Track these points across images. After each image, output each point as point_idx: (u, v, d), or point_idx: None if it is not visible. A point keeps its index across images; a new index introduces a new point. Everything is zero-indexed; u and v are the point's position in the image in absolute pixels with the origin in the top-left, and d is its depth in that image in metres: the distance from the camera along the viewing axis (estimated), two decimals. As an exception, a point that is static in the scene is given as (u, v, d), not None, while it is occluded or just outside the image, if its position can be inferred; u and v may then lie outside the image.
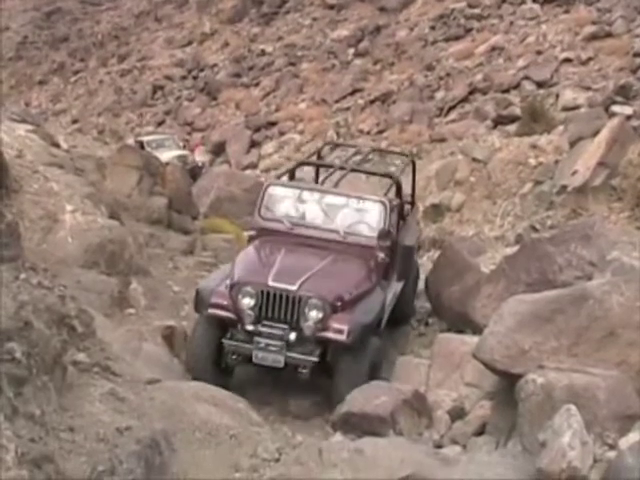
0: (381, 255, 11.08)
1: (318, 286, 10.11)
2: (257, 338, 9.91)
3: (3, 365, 6.18)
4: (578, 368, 7.00)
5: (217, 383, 9.67)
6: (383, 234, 11.05)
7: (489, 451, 7.50)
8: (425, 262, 17.71)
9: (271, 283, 10.03)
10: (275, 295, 9.94)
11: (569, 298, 7.69)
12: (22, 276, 7.74)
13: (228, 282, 10.23)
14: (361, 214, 11.46)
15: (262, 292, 9.95)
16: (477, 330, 9.51)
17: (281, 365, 9.91)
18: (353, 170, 13.34)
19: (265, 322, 9.95)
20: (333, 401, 9.42)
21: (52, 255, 10.88)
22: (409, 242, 12.57)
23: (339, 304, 10.04)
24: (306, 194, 11.71)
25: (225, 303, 10.09)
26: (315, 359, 9.91)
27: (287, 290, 9.95)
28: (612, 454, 6.20)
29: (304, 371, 9.94)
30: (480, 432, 8.18)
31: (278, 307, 9.96)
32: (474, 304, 10.94)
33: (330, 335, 9.85)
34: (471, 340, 9.07)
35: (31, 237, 10.81)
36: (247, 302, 9.94)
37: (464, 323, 11.09)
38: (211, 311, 10.13)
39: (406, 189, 13.55)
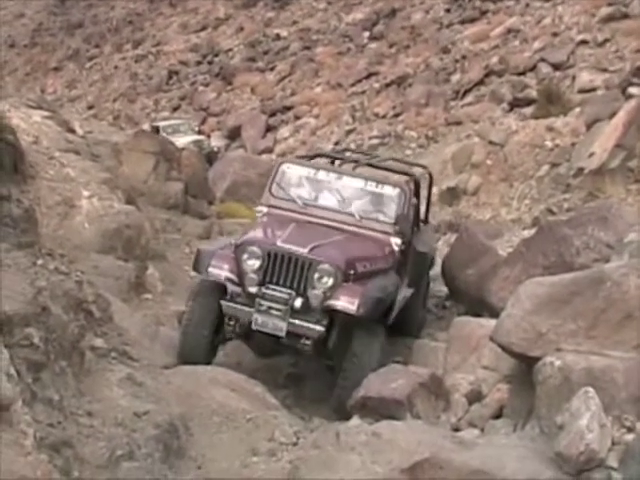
0: (397, 241, 10.63)
1: (330, 253, 9.55)
2: (259, 300, 9.18)
3: (21, 350, 6.21)
4: (596, 351, 6.98)
5: (210, 356, 9.73)
6: (401, 219, 10.60)
7: (507, 434, 7.50)
8: (441, 246, 17.71)
9: (280, 244, 9.43)
10: (283, 257, 9.27)
11: (586, 281, 7.65)
12: (39, 262, 7.78)
13: (232, 242, 9.78)
14: (379, 199, 10.96)
15: (269, 254, 9.29)
16: (494, 313, 9.47)
17: (282, 333, 9.15)
18: (370, 165, 12.63)
19: (269, 286, 9.27)
20: (337, 388, 9.22)
21: (69, 241, 10.93)
22: (423, 249, 12.07)
23: (351, 273, 9.44)
24: (322, 174, 11.18)
25: (227, 265, 9.47)
26: (321, 329, 9.19)
27: (296, 253, 9.32)
28: (630, 437, 6.19)
29: (307, 342, 9.23)
30: (498, 415, 8.17)
31: (285, 271, 9.27)
32: (491, 287, 10.91)
33: (339, 304, 9.18)
34: (488, 323, 9.03)
35: (48, 223, 10.86)
36: (252, 264, 9.31)
37: (481, 306, 11.07)
38: (211, 271, 9.49)
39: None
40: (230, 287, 9.50)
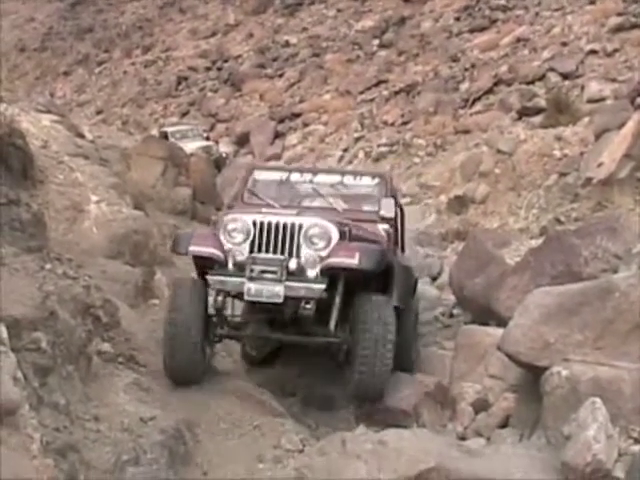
0: (385, 227, 9.99)
1: (320, 215, 8.94)
2: (250, 266, 8.29)
3: (29, 355, 6.23)
4: (603, 361, 6.98)
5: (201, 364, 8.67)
6: (385, 203, 9.90)
7: (513, 444, 7.49)
8: (449, 254, 17.70)
9: (265, 210, 8.90)
10: (270, 224, 8.49)
11: (594, 291, 7.65)
12: (47, 266, 7.81)
13: (212, 218, 9.30)
14: (359, 190, 10.51)
15: (254, 223, 8.51)
16: (501, 322, 9.46)
17: (280, 299, 8.24)
18: (342, 172, 11.89)
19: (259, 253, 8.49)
20: (354, 371, 8.46)
21: (77, 245, 10.94)
22: (408, 263, 11.60)
23: (346, 230, 8.78)
24: (295, 176, 10.70)
25: (210, 242, 8.67)
26: (321, 286, 8.36)
27: (285, 216, 8.65)
28: (637, 448, 6.18)
29: (308, 307, 8.40)
30: (504, 424, 8.16)
31: (274, 240, 8.46)
32: (498, 296, 10.89)
33: (338, 261, 8.41)
34: (495, 332, 9.02)
35: (56, 227, 10.87)
36: (236, 237, 8.52)
37: (488, 315, 11.05)
38: (192, 248, 8.72)
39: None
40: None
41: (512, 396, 8.36)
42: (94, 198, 12.12)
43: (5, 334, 5.65)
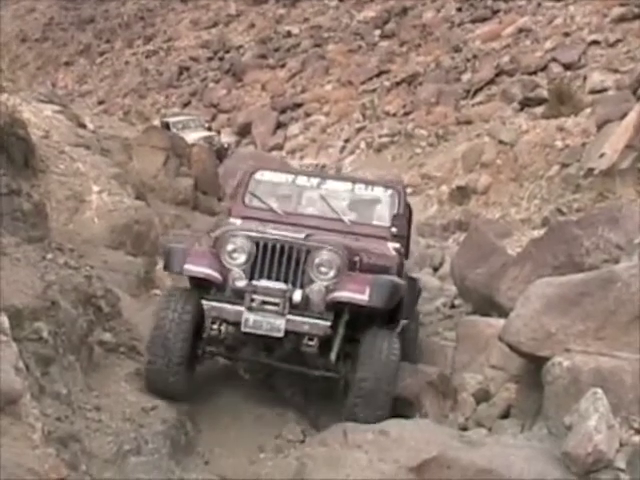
0: (395, 245, 9.37)
1: (329, 240, 8.22)
2: (250, 295, 7.60)
3: (30, 344, 6.24)
4: (605, 352, 6.97)
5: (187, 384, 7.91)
6: (397, 219, 9.35)
7: (514, 434, 7.49)
8: (451, 245, 17.70)
9: (270, 230, 8.17)
10: (274, 247, 7.86)
11: (596, 281, 7.64)
12: (49, 256, 7.82)
13: (210, 235, 8.58)
14: (370, 202, 9.83)
15: (258, 244, 7.89)
16: (503, 313, 9.46)
17: (280, 334, 7.60)
18: (353, 180, 10.79)
19: (261, 280, 7.83)
20: (346, 407, 7.73)
21: (78, 235, 10.94)
22: (414, 276, 11.07)
23: (357, 260, 8.11)
24: (302, 180, 9.94)
25: (206, 261, 7.97)
26: (327, 324, 7.67)
27: (292, 239, 7.94)
28: (638, 438, 6.19)
29: (312, 343, 7.70)
30: (505, 415, 8.16)
31: (277, 264, 7.84)
32: (500, 287, 10.87)
33: (346, 295, 7.71)
34: (497, 322, 9.02)
35: (58, 217, 10.87)
36: (236, 257, 7.88)
37: (490, 305, 11.04)
38: (188, 268, 7.93)
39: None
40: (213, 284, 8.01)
41: (513, 386, 8.36)
42: (95, 188, 12.12)
43: (7, 324, 5.65)
